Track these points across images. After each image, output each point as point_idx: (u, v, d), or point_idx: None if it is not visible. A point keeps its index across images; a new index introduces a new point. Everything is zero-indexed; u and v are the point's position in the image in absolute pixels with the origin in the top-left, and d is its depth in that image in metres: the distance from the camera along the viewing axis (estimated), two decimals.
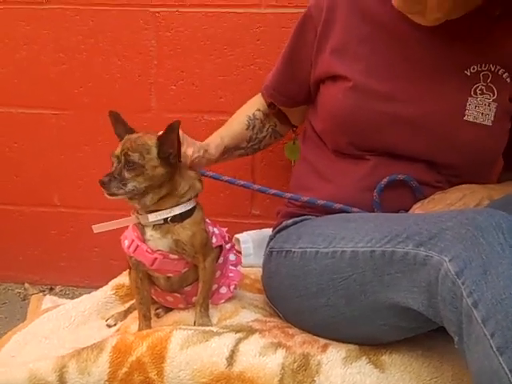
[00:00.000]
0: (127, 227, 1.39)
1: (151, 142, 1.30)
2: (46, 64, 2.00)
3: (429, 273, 1.05)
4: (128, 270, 1.59)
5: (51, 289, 2.18)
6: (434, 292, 1.04)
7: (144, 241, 1.35)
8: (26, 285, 2.19)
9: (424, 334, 1.26)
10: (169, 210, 1.33)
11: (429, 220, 1.13)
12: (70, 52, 1.98)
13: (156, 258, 1.34)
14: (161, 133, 1.32)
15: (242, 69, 1.93)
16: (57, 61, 1.99)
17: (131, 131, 1.36)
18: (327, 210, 1.41)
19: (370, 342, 1.28)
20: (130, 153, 1.28)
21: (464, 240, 1.02)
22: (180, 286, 1.43)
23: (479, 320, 0.95)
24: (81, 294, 1.75)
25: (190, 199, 1.36)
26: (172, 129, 1.29)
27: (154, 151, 1.30)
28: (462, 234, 1.03)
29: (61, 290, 2.18)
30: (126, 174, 1.27)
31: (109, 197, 1.28)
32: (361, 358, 1.24)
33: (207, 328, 1.33)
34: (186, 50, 1.93)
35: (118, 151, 1.30)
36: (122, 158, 1.28)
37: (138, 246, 1.35)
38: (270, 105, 1.66)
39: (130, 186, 1.27)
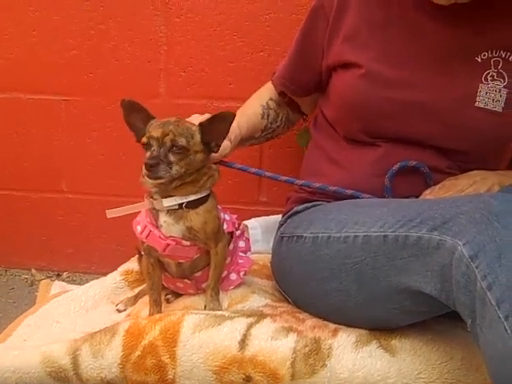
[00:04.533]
0: (137, 213, 1.39)
1: (194, 127, 1.31)
2: (56, 50, 1.99)
3: (443, 257, 1.06)
4: (137, 256, 1.60)
5: (58, 275, 2.19)
6: (448, 276, 1.05)
7: (157, 227, 1.34)
8: (33, 271, 2.20)
9: (433, 319, 1.28)
10: (184, 196, 1.32)
11: (443, 205, 1.13)
12: (79, 38, 1.98)
13: (168, 244, 1.34)
14: (205, 117, 1.33)
15: (252, 55, 1.93)
16: (66, 47, 1.98)
17: (152, 118, 1.33)
18: (338, 196, 1.42)
19: (380, 326, 1.29)
20: (176, 137, 1.26)
21: (478, 224, 1.03)
22: (191, 272, 1.43)
23: (493, 302, 0.96)
24: (88, 280, 1.76)
25: (207, 189, 1.36)
26: (225, 118, 1.29)
27: (198, 136, 1.30)
28: (476, 218, 1.04)
29: (68, 276, 2.19)
30: (172, 158, 1.26)
31: (152, 180, 1.26)
32: (371, 342, 1.25)
33: (219, 312, 1.34)
34: (196, 36, 1.93)
35: (157, 134, 1.26)
36: (168, 141, 1.25)
37: (150, 231, 1.34)
38: (280, 93, 1.66)
39: (174, 169, 1.26)
